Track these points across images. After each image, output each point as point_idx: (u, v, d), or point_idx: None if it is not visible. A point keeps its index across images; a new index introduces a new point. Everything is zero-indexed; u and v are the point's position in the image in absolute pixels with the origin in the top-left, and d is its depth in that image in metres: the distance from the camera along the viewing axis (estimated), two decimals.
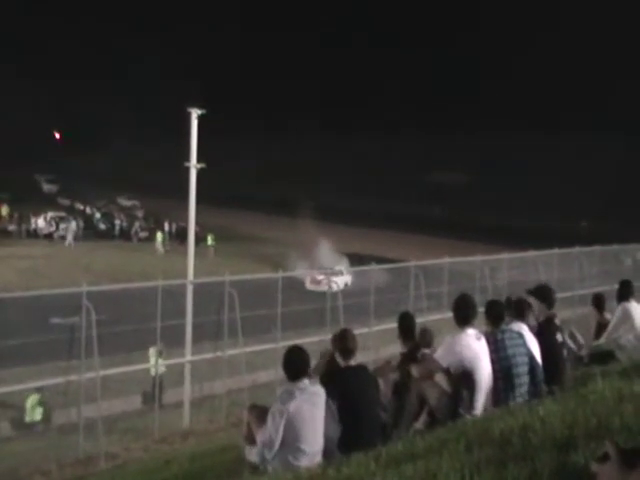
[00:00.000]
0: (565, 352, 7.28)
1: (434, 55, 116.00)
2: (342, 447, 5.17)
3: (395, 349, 7.58)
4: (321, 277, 33.92)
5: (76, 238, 52.00)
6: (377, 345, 18.17)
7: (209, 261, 37.33)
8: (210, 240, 47.08)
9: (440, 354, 5.95)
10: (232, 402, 17.45)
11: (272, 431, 4.96)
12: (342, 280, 35.10)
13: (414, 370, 5.93)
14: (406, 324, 6.96)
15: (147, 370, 18.66)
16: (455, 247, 38.59)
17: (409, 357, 6.55)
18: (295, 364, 5.23)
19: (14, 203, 61.44)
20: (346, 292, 23.38)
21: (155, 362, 18.65)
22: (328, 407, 5.24)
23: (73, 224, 50.93)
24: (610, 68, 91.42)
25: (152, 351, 19.44)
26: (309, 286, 32.55)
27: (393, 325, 7.50)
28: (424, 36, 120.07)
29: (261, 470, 5.11)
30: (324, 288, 32.82)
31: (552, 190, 78.59)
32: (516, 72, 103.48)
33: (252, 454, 5.15)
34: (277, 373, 16.64)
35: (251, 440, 5.23)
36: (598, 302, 9.66)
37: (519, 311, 6.79)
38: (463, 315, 6.00)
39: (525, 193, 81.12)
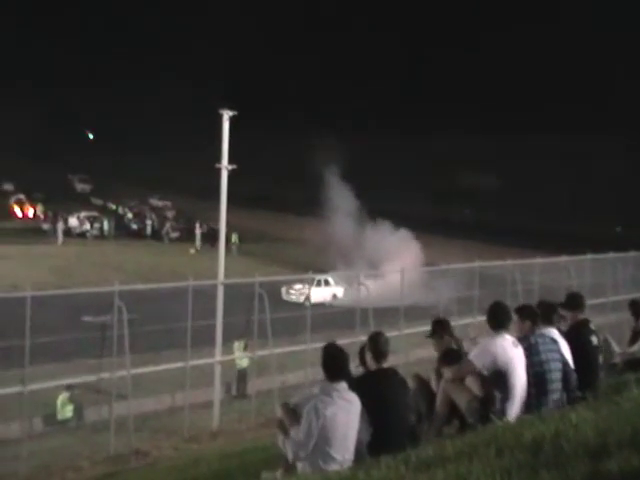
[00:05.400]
0: (601, 358, 7.17)
1: (463, 57, 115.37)
2: (371, 450, 5.14)
3: (425, 353, 7.56)
4: (298, 287, 31.79)
5: (106, 237, 52.75)
6: (407, 348, 18.11)
7: (234, 260, 37.39)
8: (234, 238, 47.80)
9: (475, 354, 5.90)
10: (261, 403, 17.51)
11: (307, 430, 4.88)
12: (328, 291, 33.37)
13: (447, 372, 5.89)
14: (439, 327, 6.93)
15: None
16: (486, 251, 38.22)
17: (443, 360, 6.52)
18: (337, 364, 5.11)
19: (48, 202, 62.47)
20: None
21: (239, 355, 19.14)
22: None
23: (61, 223, 51.21)
24: (635, 66, 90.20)
25: (237, 345, 19.70)
26: (284, 296, 30.67)
27: (423, 328, 7.48)
28: (453, 38, 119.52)
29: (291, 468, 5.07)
30: (299, 299, 29.65)
31: (586, 194, 77.60)
32: (543, 75, 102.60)
33: (286, 446, 5.07)
34: (306, 375, 16.68)
35: (285, 431, 5.12)
36: (635, 308, 9.49)
37: (546, 316, 6.69)
38: (498, 321, 5.99)
39: (558, 197, 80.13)
